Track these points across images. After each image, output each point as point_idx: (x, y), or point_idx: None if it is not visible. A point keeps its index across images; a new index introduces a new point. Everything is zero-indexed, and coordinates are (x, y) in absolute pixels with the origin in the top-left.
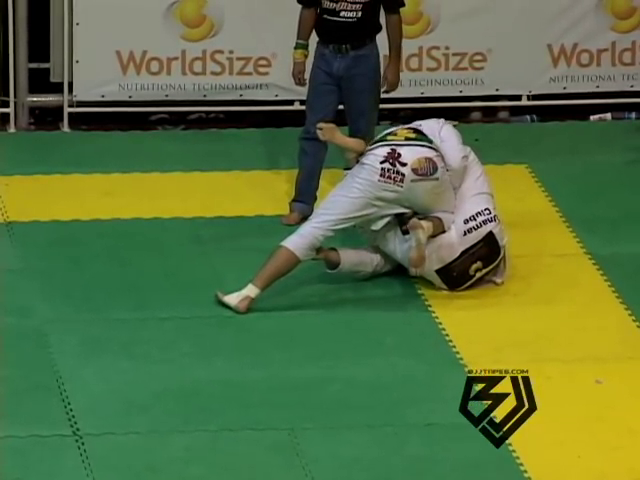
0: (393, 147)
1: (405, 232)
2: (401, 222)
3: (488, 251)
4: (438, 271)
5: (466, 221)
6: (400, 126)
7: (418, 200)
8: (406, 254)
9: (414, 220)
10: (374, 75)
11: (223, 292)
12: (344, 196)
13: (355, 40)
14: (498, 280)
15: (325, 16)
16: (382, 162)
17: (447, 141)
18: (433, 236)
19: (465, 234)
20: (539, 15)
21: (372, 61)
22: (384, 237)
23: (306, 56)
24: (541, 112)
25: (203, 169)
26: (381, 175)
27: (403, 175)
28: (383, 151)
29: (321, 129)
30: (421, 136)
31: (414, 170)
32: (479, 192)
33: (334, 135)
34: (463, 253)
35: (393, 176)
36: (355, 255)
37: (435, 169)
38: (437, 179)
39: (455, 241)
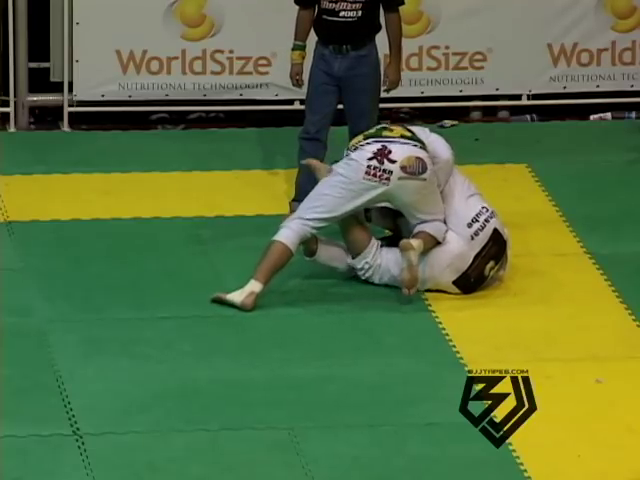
0: (384, 144)
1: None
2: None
3: (497, 248)
4: (455, 282)
5: (469, 225)
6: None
7: (402, 198)
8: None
9: (404, 241)
10: (374, 75)
11: (223, 292)
12: (329, 195)
13: (355, 40)
14: (502, 272)
15: (324, 16)
16: (370, 159)
17: (435, 141)
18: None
19: (472, 238)
20: (539, 15)
21: (372, 61)
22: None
23: (303, 57)
24: (541, 112)
25: (203, 169)
26: (366, 172)
27: (390, 172)
28: (373, 147)
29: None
30: (415, 136)
31: (403, 168)
32: (470, 194)
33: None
34: (476, 257)
35: (379, 174)
36: (333, 250)
37: (424, 169)
38: (424, 179)
39: (464, 248)
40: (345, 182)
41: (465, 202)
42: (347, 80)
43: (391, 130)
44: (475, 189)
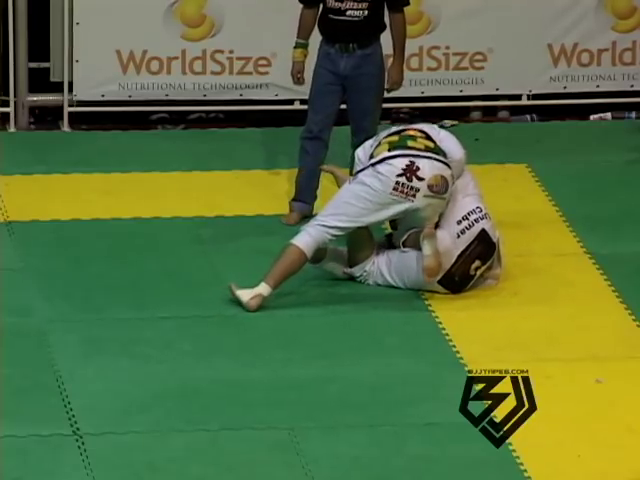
0: (412, 159)
1: (404, 245)
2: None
3: (483, 248)
4: (440, 281)
5: (459, 222)
6: (411, 126)
7: (421, 214)
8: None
9: (428, 229)
10: (379, 74)
11: (237, 285)
12: (354, 205)
13: (361, 39)
14: (497, 271)
15: (330, 15)
16: (399, 175)
17: (446, 140)
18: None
19: (458, 236)
20: (539, 15)
21: (377, 60)
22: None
23: (305, 56)
24: (541, 112)
25: (203, 169)
26: (394, 189)
27: (417, 190)
28: (402, 163)
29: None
30: (437, 147)
31: (430, 186)
32: (468, 194)
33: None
34: (460, 256)
35: (406, 191)
36: (336, 259)
37: (447, 189)
38: (444, 199)
39: (450, 246)
40: (372, 195)
41: (461, 200)
42: (353, 79)
43: (415, 139)
44: (476, 189)
